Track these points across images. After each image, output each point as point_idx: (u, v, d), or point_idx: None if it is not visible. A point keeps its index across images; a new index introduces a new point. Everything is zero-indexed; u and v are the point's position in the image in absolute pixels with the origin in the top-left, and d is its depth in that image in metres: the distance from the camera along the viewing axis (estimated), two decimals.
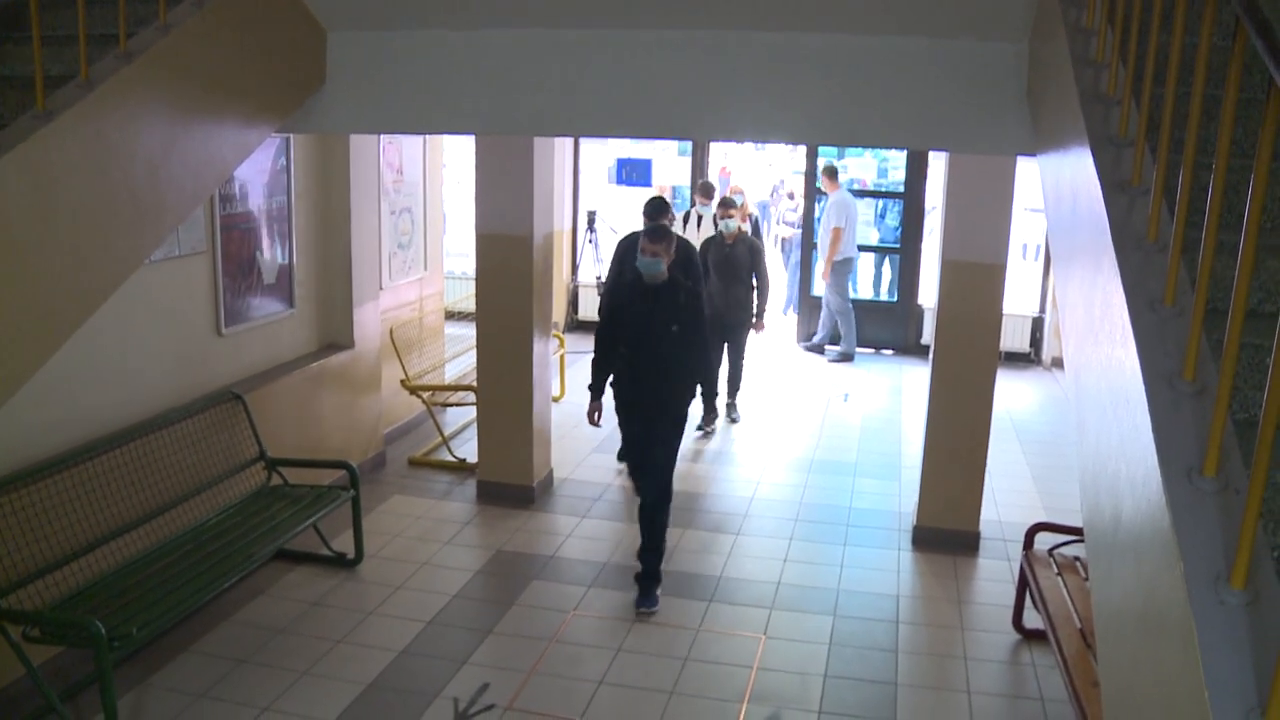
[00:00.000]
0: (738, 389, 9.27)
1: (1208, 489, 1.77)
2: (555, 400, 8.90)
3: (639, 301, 5.71)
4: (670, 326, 5.65)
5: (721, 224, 8.71)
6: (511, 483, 7.19)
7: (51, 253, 3.39)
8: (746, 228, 9.29)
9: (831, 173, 11.46)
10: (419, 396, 8.04)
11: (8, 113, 3.44)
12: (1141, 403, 1.95)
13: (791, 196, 13.95)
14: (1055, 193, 3.27)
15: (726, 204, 8.80)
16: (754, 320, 8.88)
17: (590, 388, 5.95)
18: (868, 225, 12.70)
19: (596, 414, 5.99)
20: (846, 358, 11.52)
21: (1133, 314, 2.12)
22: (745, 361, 9.16)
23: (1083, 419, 2.54)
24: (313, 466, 6.45)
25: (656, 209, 7.21)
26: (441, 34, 4.98)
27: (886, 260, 12.71)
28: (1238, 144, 2.45)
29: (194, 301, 5.96)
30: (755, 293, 8.78)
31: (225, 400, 6.06)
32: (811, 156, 11.91)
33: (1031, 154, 4.33)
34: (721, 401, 9.04)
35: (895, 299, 12.05)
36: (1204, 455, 1.79)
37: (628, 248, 6.72)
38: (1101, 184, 2.49)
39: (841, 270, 11.42)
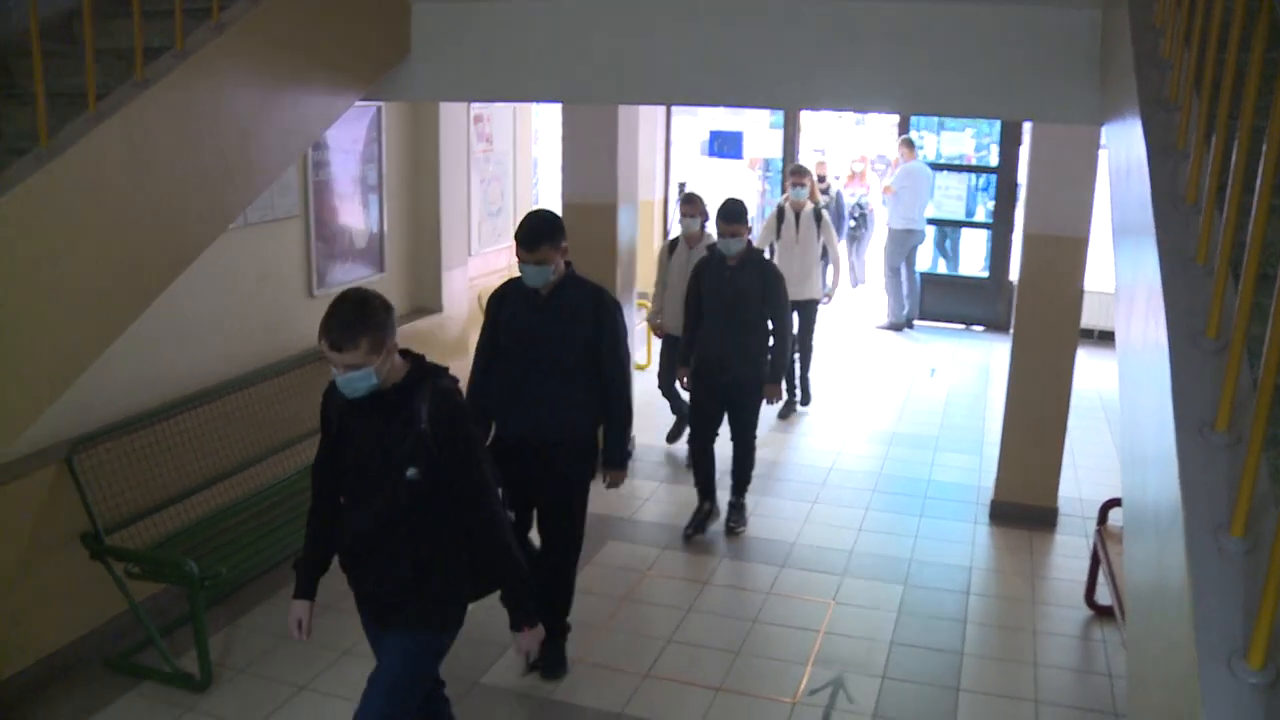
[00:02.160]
0: (745, 483, 6.49)
1: (1218, 443, 1.80)
2: (640, 368, 9.03)
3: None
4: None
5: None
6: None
7: (145, 211, 3.61)
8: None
9: (909, 144, 11.49)
10: None
11: (113, 81, 3.65)
12: (1164, 361, 1.98)
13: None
14: (1113, 161, 3.27)
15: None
16: (768, 383, 6.22)
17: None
18: (958, 200, 12.51)
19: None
20: (895, 327, 11.46)
21: (1164, 272, 2.15)
22: (754, 439, 6.37)
23: (1123, 389, 2.56)
24: None
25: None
26: (524, 3, 5.10)
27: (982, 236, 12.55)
28: None
29: (288, 263, 6.22)
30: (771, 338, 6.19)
31: (316, 360, 6.30)
32: (905, 129, 11.79)
33: (1101, 123, 4.29)
34: (723, 500, 6.56)
35: (988, 274, 11.89)
36: (1217, 411, 1.82)
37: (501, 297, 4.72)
38: (1148, 147, 2.50)
39: (900, 240, 11.34)
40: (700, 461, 6.35)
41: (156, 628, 4.74)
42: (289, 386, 6.04)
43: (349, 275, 6.75)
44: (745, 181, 12.09)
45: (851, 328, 11.50)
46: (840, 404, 9.07)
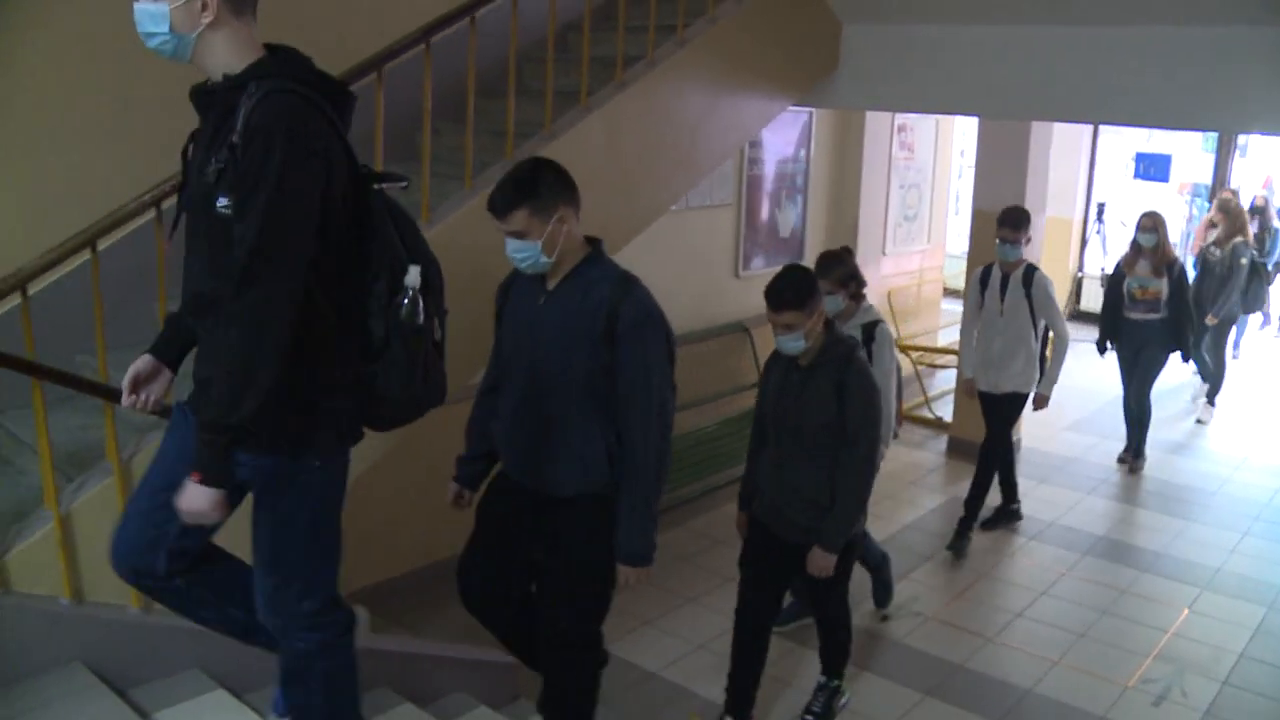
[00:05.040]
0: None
1: None
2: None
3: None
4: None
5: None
6: (978, 442, 7.74)
7: (615, 184, 4.63)
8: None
9: None
10: (908, 356, 8.80)
11: (594, 84, 4.70)
12: None
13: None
14: None
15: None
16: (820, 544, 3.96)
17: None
18: None
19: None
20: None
21: None
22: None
23: None
24: None
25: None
26: (946, 27, 5.68)
27: None
28: None
29: (719, 245, 7.20)
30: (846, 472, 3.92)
31: (735, 332, 7.24)
32: None
33: None
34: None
35: None
36: None
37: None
38: None
39: None
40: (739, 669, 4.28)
41: None
42: (711, 352, 7.02)
43: (770, 262, 7.63)
44: (1171, 207, 11.69)
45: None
46: (1242, 426, 8.85)
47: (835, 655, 4.52)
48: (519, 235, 3.01)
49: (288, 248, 2.25)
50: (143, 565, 2.59)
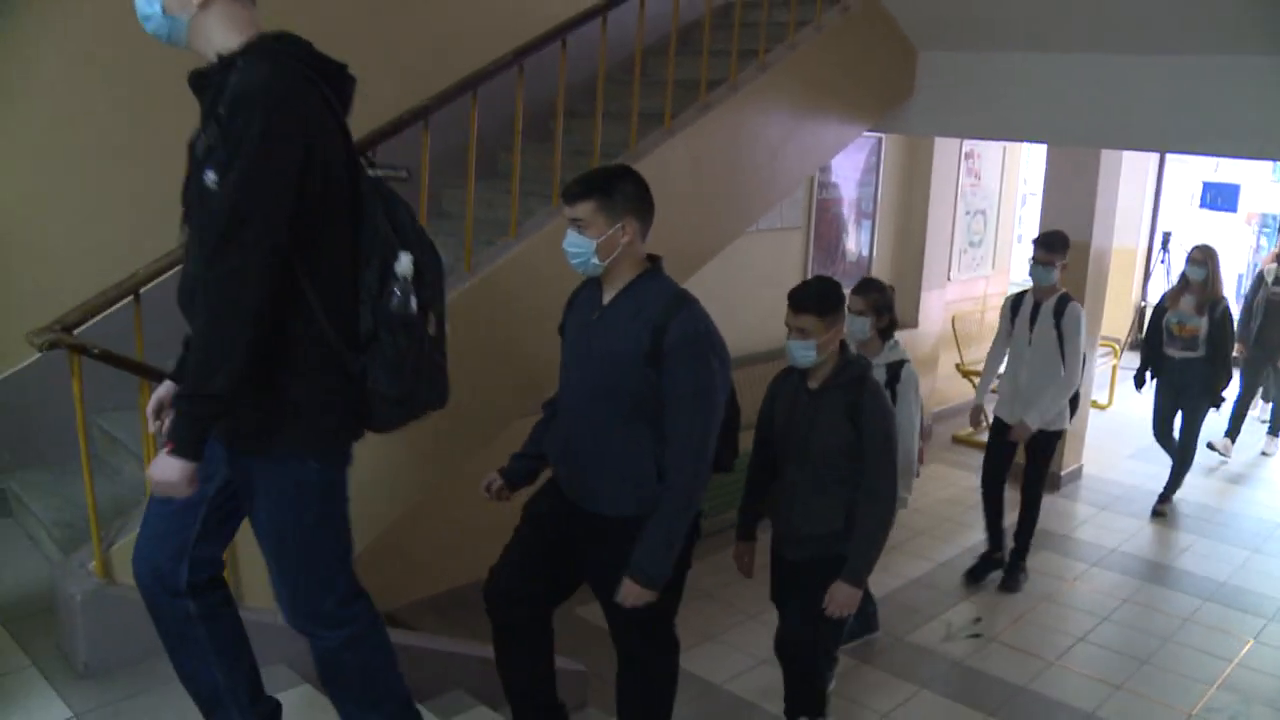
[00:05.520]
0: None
1: None
2: (1102, 408, 9.28)
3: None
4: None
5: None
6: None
7: (696, 205, 4.75)
8: None
9: None
10: (970, 380, 8.85)
11: (677, 106, 4.83)
12: None
13: None
14: None
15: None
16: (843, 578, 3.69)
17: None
18: None
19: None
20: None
21: None
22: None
23: None
24: None
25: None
26: (1018, 55, 5.75)
27: None
28: None
29: (788, 267, 7.31)
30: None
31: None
32: None
33: None
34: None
35: None
36: None
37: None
38: None
39: None
40: None
41: None
42: (767, 373, 7.08)
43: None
44: (1238, 237, 11.63)
45: None
46: None
47: (809, 697, 4.09)
48: (580, 227, 2.98)
49: (265, 215, 2.16)
50: (167, 571, 2.56)
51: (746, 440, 3.70)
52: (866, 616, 5.36)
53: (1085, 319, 5.71)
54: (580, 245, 2.99)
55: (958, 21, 5.73)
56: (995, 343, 6.16)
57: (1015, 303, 5.91)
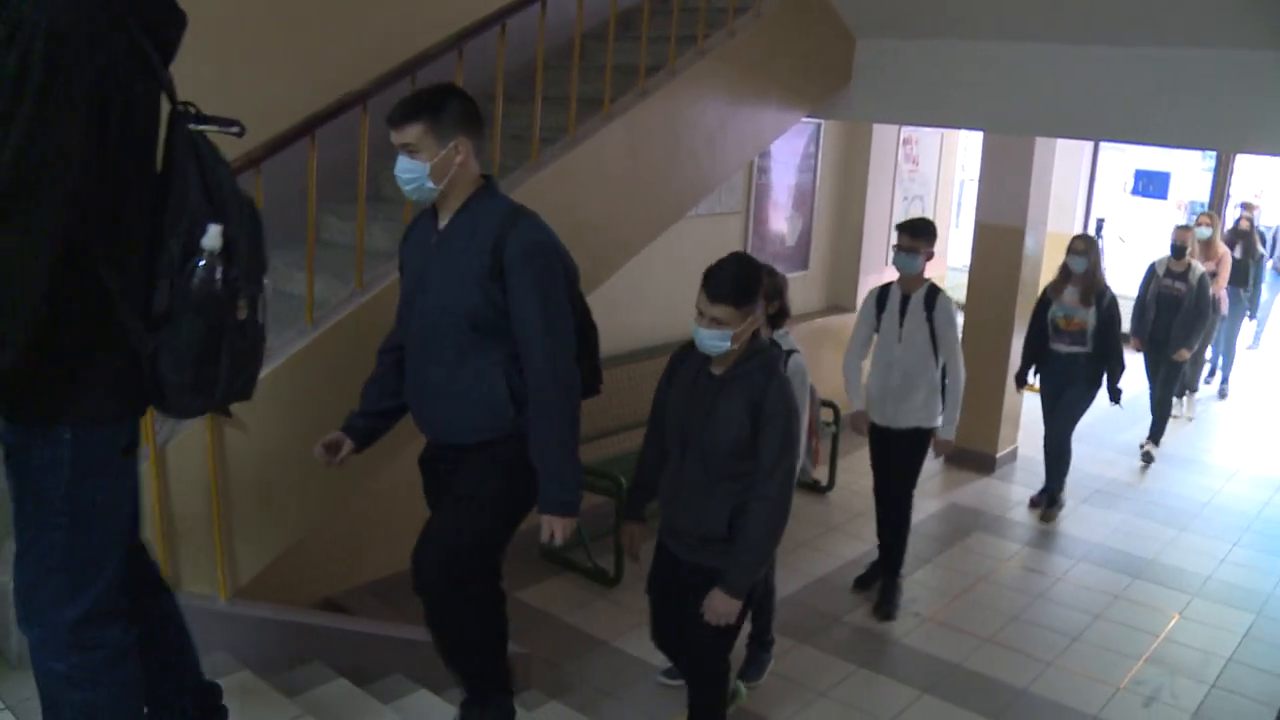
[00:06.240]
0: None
1: None
2: (1036, 391, 9.41)
3: None
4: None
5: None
6: (976, 450, 7.90)
7: (635, 189, 4.77)
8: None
9: None
10: None
11: (616, 91, 4.83)
12: None
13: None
14: None
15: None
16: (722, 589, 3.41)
17: None
18: None
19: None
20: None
21: None
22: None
23: None
24: None
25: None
26: (956, 43, 5.83)
27: None
28: None
29: (726, 252, 7.29)
30: None
31: None
32: None
33: None
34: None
35: None
36: None
37: None
38: None
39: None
40: None
41: (587, 531, 5.83)
42: None
43: (778, 268, 7.75)
44: (1169, 223, 11.87)
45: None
46: (1235, 439, 9.06)
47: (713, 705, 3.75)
48: (410, 151, 2.87)
49: (52, 174, 1.86)
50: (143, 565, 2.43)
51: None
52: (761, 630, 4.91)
53: (957, 310, 5.47)
54: (413, 170, 2.89)
55: (895, 9, 5.80)
56: (855, 342, 5.67)
57: (881, 296, 5.49)
